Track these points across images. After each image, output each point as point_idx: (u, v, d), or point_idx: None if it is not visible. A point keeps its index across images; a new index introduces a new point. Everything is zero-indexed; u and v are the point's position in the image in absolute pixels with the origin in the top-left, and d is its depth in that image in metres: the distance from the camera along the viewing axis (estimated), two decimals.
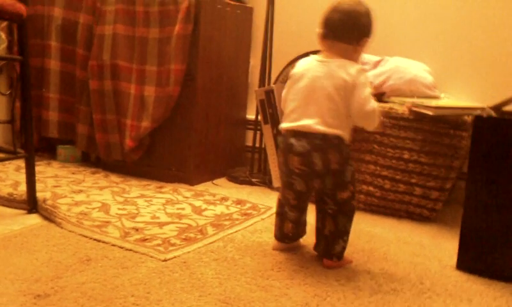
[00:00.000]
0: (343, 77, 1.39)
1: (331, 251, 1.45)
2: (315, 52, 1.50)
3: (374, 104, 1.40)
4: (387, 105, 1.99)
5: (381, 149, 1.98)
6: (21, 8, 1.75)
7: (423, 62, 2.28)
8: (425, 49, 2.36)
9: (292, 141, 1.41)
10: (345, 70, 1.40)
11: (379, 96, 2.12)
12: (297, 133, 1.41)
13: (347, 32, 1.43)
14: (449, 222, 1.97)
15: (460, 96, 2.29)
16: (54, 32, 2.62)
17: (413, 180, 1.95)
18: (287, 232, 1.54)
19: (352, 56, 1.45)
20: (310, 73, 1.43)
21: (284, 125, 1.46)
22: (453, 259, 1.52)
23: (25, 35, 1.80)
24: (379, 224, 1.91)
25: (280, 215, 1.55)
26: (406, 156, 1.95)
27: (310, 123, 1.39)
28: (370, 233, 1.78)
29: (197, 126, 2.35)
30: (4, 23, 2.70)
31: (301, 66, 1.48)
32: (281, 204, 1.54)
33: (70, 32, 2.59)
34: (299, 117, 1.42)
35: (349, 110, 1.40)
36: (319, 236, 1.50)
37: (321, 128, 1.38)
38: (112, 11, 2.41)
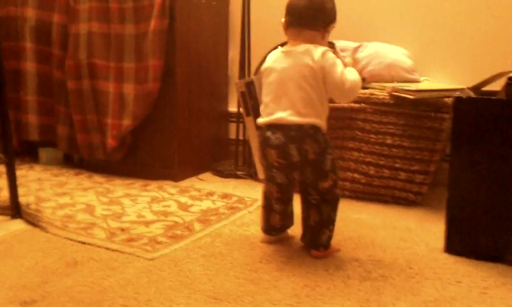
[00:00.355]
0: (309, 64, 1.39)
1: (317, 241, 1.45)
2: (283, 44, 1.50)
3: (350, 76, 1.41)
4: (367, 91, 1.99)
5: (363, 135, 1.99)
6: None
7: (402, 46, 2.29)
8: (404, 33, 2.37)
9: (268, 134, 1.41)
10: (310, 56, 1.39)
11: None
12: (272, 126, 1.40)
13: (313, 18, 1.43)
14: (435, 205, 1.98)
15: (440, 79, 2.30)
16: (28, 33, 2.57)
17: (397, 165, 1.95)
18: (274, 224, 1.54)
19: (321, 43, 1.44)
20: (278, 65, 1.43)
21: (260, 120, 1.45)
22: (440, 242, 1.53)
23: None
24: (365, 210, 1.92)
25: (266, 207, 1.55)
26: (388, 141, 1.96)
27: (283, 115, 1.39)
28: (357, 220, 1.78)
29: (179, 122, 2.33)
30: None
31: (269, 60, 1.48)
32: (266, 197, 1.54)
33: (44, 32, 2.55)
34: (273, 110, 1.41)
35: (326, 95, 1.41)
36: (305, 226, 1.50)
37: (295, 119, 1.37)
38: (86, 9, 2.37)
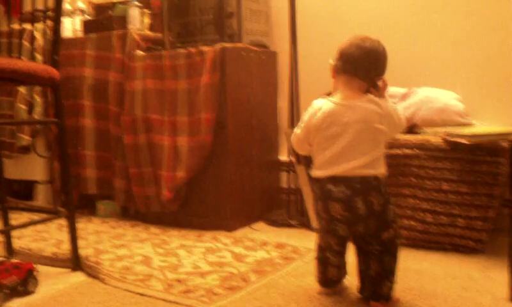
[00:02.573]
0: (376, 110, 1.41)
1: (379, 292, 1.42)
2: (328, 94, 1.50)
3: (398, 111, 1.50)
4: (420, 137, 1.98)
5: (418, 181, 1.96)
6: (54, 73, 1.81)
7: (452, 90, 2.26)
8: (453, 78, 2.34)
9: (330, 187, 1.40)
10: (374, 104, 1.42)
11: (411, 128, 2.10)
12: (334, 179, 1.40)
13: (368, 70, 1.45)
14: (497, 252, 1.91)
15: (492, 122, 2.25)
16: (86, 92, 2.70)
17: (455, 211, 1.91)
18: (331, 276, 1.52)
19: (369, 93, 1.46)
20: (340, 118, 1.42)
21: (319, 172, 1.44)
22: (505, 292, 1.48)
23: (59, 98, 1.86)
24: (424, 259, 1.87)
25: (322, 260, 1.53)
26: (445, 187, 1.92)
27: (347, 167, 1.38)
28: (416, 270, 1.74)
29: (231, 172, 2.36)
30: (39, 87, 2.80)
31: (324, 112, 1.44)
32: (321, 249, 1.52)
33: (101, 90, 2.66)
34: (334, 163, 1.40)
35: (390, 136, 1.49)
36: (363, 278, 1.47)
37: (360, 171, 1.37)
38: (141, 67, 2.47)
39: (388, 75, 2.45)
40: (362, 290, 1.49)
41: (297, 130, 1.52)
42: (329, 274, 1.52)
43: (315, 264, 1.56)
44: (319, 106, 1.47)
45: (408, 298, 1.49)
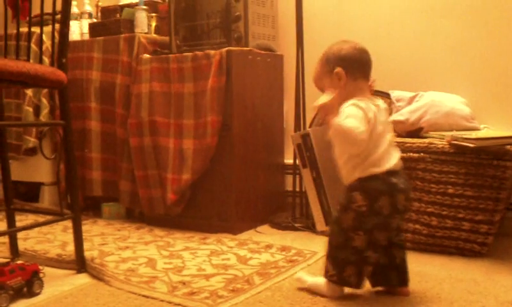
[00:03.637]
0: (386, 108, 1.58)
1: (405, 278, 1.53)
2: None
3: None
4: (426, 140, 1.98)
5: (424, 185, 1.95)
6: (61, 75, 1.82)
7: (458, 94, 2.26)
8: (460, 82, 2.34)
9: (394, 180, 1.46)
10: (382, 103, 1.55)
11: (417, 132, 2.10)
12: (392, 172, 1.47)
13: (370, 71, 1.57)
14: (502, 256, 1.90)
15: (499, 126, 2.25)
16: (93, 94, 2.71)
17: (460, 215, 1.90)
18: (367, 275, 1.51)
19: None
20: (378, 118, 1.49)
21: (377, 169, 1.45)
22: (510, 295, 1.47)
23: (66, 101, 1.87)
24: (429, 262, 1.86)
25: (358, 262, 1.47)
26: (450, 191, 1.91)
27: (395, 161, 1.48)
28: (421, 273, 1.73)
29: (236, 175, 2.36)
30: (46, 89, 2.82)
31: (370, 110, 1.47)
32: (358, 251, 1.46)
33: (108, 93, 2.68)
34: (386, 159, 1.47)
35: None
36: (389, 268, 1.53)
37: (400, 163, 1.51)
38: (148, 70, 2.49)
39: (395, 79, 2.47)
40: (384, 281, 1.55)
41: (361, 127, 1.41)
42: (365, 273, 1.49)
43: (346, 270, 1.48)
44: (362, 106, 1.46)
45: (413, 301, 1.48)
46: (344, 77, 1.51)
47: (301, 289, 1.60)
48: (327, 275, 1.52)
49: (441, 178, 1.92)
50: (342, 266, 1.48)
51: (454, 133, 1.96)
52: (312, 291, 1.56)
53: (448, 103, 2.15)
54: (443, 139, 1.96)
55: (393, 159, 1.48)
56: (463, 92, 2.28)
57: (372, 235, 1.46)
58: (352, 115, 1.43)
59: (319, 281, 1.55)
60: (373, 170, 1.45)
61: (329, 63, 1.55)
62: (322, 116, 1.51)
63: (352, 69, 1.51)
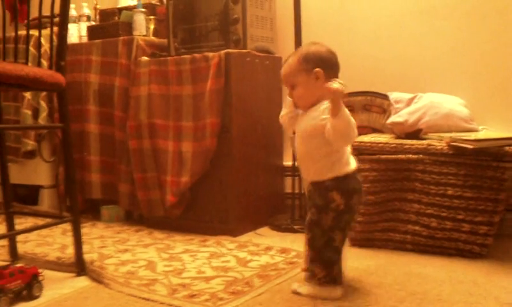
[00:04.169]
0: None
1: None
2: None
3: None
4: (425, 142, 1.98)
5: (423, 187, 1.95)
6: (60, 78, 1.82)
7: (457, 96, 2.26)
8: (459, 83, 2.35)
9: (359, 178, 1.57)
10: None
11: (416, 133, 2.10)
12: (357, 171, 1.57)
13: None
14: (502, 257, 1.90)
15: (498, 127, 2.25)
16: (92, 97, 2.71)
17: (460, 216, 1.90)
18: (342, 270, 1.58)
19: None
20: None
21: (350, 167, 1.55)
22: (511, 297, 1.47)
23: (65, 103, 1.87)
24: (429, 264, 1.86)
25: (339, 260, 1.55)
26: (449, 192, 1.91)
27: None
28: (420, 274, 1.73)
29: (235, 177, 2.36)
30: (44, 92, 2.82)
31: None
32: (338, 251, 1.55)
33: (106, 95, 2.68)
34: (352, 158, 1.58)
35: None
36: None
37: None
38: (146, 73, 2.49)
39: (394, 81, 2.47)
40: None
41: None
42: (341, 268, 1.56)
43: (334, 270, 1.54)
44: None
45: (413, 303, 1.48)
46: (323, 78, 1.52)
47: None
48: (316, 279, 1.55)
49: (441, 179, 1.93)
50: (330, 266, 1.54)
51: (453, 134, 1.96)
52: (312, 297, 1.56)
53: (447, 104, 2.16)
54: (442, 140, 1.96)
55: (354, 158, 1.58)
56: (461, 93, 2.28)
57: (345, 232, 1.56)
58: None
59: (313, 288, 1.56)
60: (347, 168, 1.53)
61: (307, 62, 1.56)
62: (335, 100, 1.42)
63: (328, 70, 1.54)
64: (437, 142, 1.96)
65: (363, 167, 2.03)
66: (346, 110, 1.43)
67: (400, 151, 1.99)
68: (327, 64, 1.54)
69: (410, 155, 1.97)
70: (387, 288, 1.61)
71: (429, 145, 1.95)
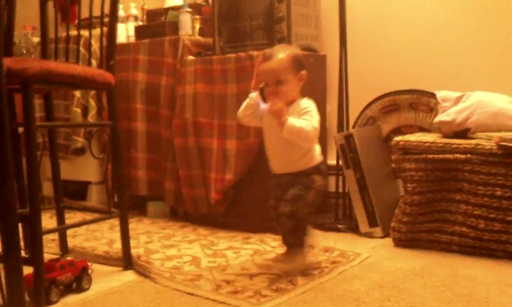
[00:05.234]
0: None
1: None
2: None
3: None
4: (473, 142, 1.93)
5: (471, 187, 1.91)
6: (109, 77, 1.87)
7: (507, 94, 2.20)
8: (509, 81, 2.28)
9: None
10: None
11: (464, 133, 2.05)
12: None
13: None
14: None
15: None
16: (139, 96, 2.77)
17: (509, 218, 1.85)
18: None
19: None
20: None
21: (321, 157, 1.86)
22: None
23: (113, 102, 1.92)
24: (476, 266, 1.82)
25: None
26: (498, 193, 1.87)
27: None
28: (467, 276, 1.70)
29: None
30: (93, 91, 2.89)
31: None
32: (310, 222, 1.88)
33: (153, 94, 2.73)
34: None
35: None
36: None
37: None
38: (192, 72, 2.52)
39: (441, 79, 2.43)
40: None
41: (315, 125, 1.73)
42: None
43: (310, 233, 1.86)
44: (313, 105, 1.80)
45: (459, 305, 1.46)
46: (304, 81, 1.77)
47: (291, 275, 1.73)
48: (307, 245, 1.84)
49: (489, 180, 1.88)
50: (308, 233, 1.84)
51: (503, 134, 1.91)
52: (295, 271, 1.77)
53: (497, 103, 2.10)
54: (491, 140, 1.91)
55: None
56: (511, 92, 2.22)
57: (312, 207, 1.83)
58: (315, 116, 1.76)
59: (293, 260, 1.81)
60: (320, 158, 1.84)
61: (299, 64, 1.77)
62: (277, 118, 1.70)
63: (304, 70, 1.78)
64: (486, 141, 1.92)
65: (409, 167, 2.01)
66: (289, 121, 1.68)
67: (448, 151, 1.95)
68: (303, 66, 1.77)
69: (458, 155, 1.93)
70: (432, 290, 1.58)
71: (478, 145, 1.91)
